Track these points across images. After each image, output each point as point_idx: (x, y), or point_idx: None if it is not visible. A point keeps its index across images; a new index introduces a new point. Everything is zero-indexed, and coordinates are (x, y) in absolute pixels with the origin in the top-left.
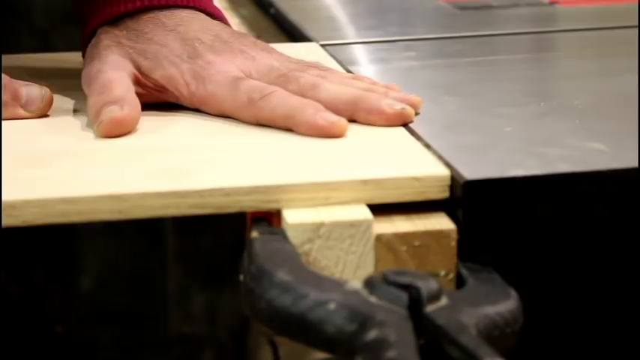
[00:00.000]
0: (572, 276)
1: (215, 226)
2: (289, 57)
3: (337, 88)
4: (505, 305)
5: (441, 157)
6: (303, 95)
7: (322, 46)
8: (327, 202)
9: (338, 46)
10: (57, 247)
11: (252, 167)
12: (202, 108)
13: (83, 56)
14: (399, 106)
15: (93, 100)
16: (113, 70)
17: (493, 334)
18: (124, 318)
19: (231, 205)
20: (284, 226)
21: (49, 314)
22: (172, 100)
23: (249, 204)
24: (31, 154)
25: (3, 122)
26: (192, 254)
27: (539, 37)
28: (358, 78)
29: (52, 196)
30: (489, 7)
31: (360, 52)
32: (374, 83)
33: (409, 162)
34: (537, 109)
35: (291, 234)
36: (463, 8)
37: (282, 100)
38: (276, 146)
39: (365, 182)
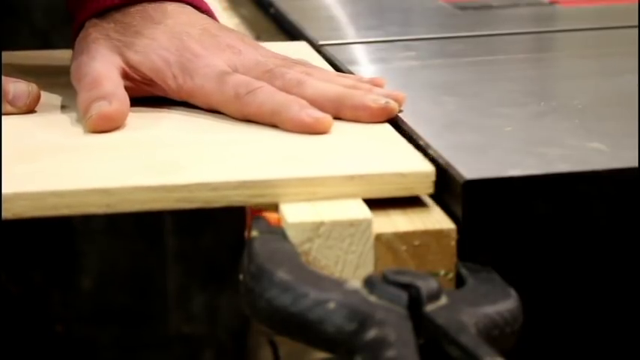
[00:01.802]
0: (571, 276)
1: (215, 226)
2: (275, 53)
3: (323, 85)
4: (505, 305)
5: (440, 157)
6: (289, 92)
7: (322, 45)
8: (314, 197)
9: (338, 46)
10: (57, 247)
11: (240, 163)
12: (190, 101)
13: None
14: (383, 101)
15: (82, 96)
16: (102, 65)
17: (493, 334)
18: (123, 318)
19: (218, 200)
20: (284, 225)
21: (49, 314)
22: (160, 93)
23: (237, 198)
24: (22, 149)
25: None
26: (192, 254)
27: (539, 37)
28: (343, 75)
29: (41, 189)
30: (489, 7)
31: (360, 52)
32: (358, 80)
33: (395, 158)
34: (537, 109)
35: (290, 233)
36: (463, 8)
37: (268, 96)
38: (264, 142)
39: (351, 178)
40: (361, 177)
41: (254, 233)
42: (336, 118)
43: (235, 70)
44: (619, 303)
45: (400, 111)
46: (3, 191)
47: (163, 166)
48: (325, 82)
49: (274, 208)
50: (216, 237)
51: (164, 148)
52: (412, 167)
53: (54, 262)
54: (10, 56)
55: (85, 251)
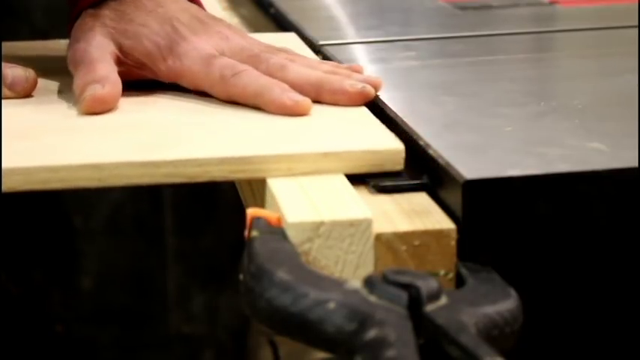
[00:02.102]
0: (571, 276)
1: (215, 226)
2: (260, 41)
3: (304, 70)
4: (505, 305)
5: (440, 157)
6: (272, 75)
7: (322, 46)
8: (292, 173)
9: (338, 46)
10: (57, 247)
11: (224, 141)
12: (178, 82)
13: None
14: (359, 86)
15: (78, 80)
16: (97, 51)
17: (493, 334)
18: (124, 318)
19: (201, 175)
20: (284, 225)
21: (49, 314)
22: (151, 75)
23: (220, 174)
24: (18, 129)
25: None
26: (192, 254)
27: (539, 37)
28: (323, 62)
29: (35, 164)
30: (489, 7)
31: (360, 52)
32: (338, 66)
33: (367, 137)
34: (537, 109)
35: (290, 233)
36: (463, 8)
37: (252, 79)
38: (245, 123)
39: (326, 155)
40: (336, 154)
41: (254, 233)
42: (316, 101)
43: (222, 54)
44: (619, 303)
45: (377, 96)
46: None
47: (152, 145)
48: (307, 67)
49: (257, 183)
50: (216, 237)
51: (153, 128)
52: (384, 145)
53: (54, 262)
54: (9, 47)
55: (85, 251)
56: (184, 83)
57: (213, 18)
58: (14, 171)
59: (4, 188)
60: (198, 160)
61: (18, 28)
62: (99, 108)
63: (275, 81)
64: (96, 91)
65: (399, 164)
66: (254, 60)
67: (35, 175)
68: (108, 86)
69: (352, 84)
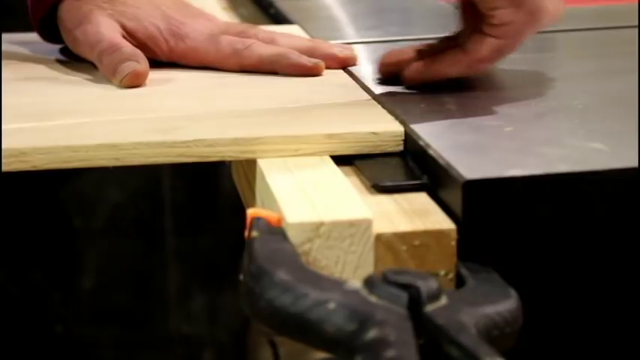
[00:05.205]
0: (572, 276)
1: (215, 226)
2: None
3: (292, 40)
4: (505, 305)
5: (440, 157)
6: None
7: None
8: (297, 154)
9: None
10: (57, 248)
11: (232, 123)
12: (181, 62)
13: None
14: (348, 52)
15: (107, 59)
16: (110, 31)
17: (493, 334)
18: (124, 318)
19: (213, 155)
20: (284, 225)
21: (49, 314)
22: (150, 56)
23: (229, 154)
24: (42, 111)
25: (20, 85)
26: (192, 254)
27: (540, 37)
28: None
29: (57, 144)
30: None
31: (360, 52)
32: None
33: (368, 120)
34: (537, 109)
35: (291, 233)
36: None
37: (265, 49)
38: (253, 107)
39: (330, 136)
40: (339, 135)
41: (254, 233)
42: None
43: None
44: (619, 303)
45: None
46: (23, 146)
47: (166, 126)
48: (290, 38)
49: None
50: (216, 237)
51: (166, 111)
52: (384, 127)
53: (54, 262)
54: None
55: (85, 251)
56: (188, 62)
57: (186, 3)
58: (38, 150)
59: (28, 167)
60: (209, 141)
61: (18, 28)
62: (138, 82)
63: (285, 48)
64: (135, 67)
65: (398, 146)
66: (243, 36)
67: (58, 154)
68: (142, 62)
69: (340, 50)
